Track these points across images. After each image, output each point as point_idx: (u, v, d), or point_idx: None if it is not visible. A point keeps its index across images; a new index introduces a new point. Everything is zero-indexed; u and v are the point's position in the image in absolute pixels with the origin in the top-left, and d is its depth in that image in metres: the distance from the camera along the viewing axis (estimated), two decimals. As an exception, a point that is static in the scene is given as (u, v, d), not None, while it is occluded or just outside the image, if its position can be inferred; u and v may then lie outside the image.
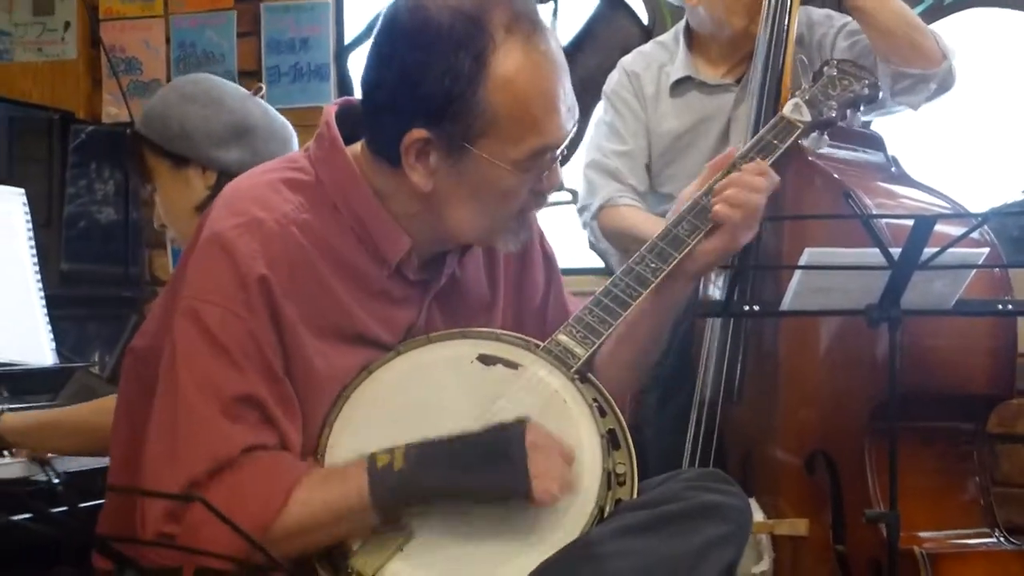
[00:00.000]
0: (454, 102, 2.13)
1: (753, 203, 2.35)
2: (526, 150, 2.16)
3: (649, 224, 3.43)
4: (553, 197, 2.34)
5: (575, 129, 2.26)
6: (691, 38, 3.67)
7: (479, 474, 2.10)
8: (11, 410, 3.02)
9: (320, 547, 2.13)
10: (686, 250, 2.35)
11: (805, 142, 3.11)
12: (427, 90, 2.14)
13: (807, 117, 2.72)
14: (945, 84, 3.42)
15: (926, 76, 3.38)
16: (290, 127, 3.00)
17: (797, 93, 2.79)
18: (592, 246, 3.78)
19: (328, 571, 2.15)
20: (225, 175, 2.69)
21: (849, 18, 3.52)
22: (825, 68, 2.86)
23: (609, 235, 3.60)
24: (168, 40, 4.70)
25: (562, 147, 2.23)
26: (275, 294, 2.12)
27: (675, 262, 2.35)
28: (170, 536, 2.03)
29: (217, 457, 2.07)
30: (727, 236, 2.35)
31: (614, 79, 3.71)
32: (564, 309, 2.49)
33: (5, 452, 2.92)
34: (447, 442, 2.11)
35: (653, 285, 2.34)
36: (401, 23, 2.20)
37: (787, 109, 2.71)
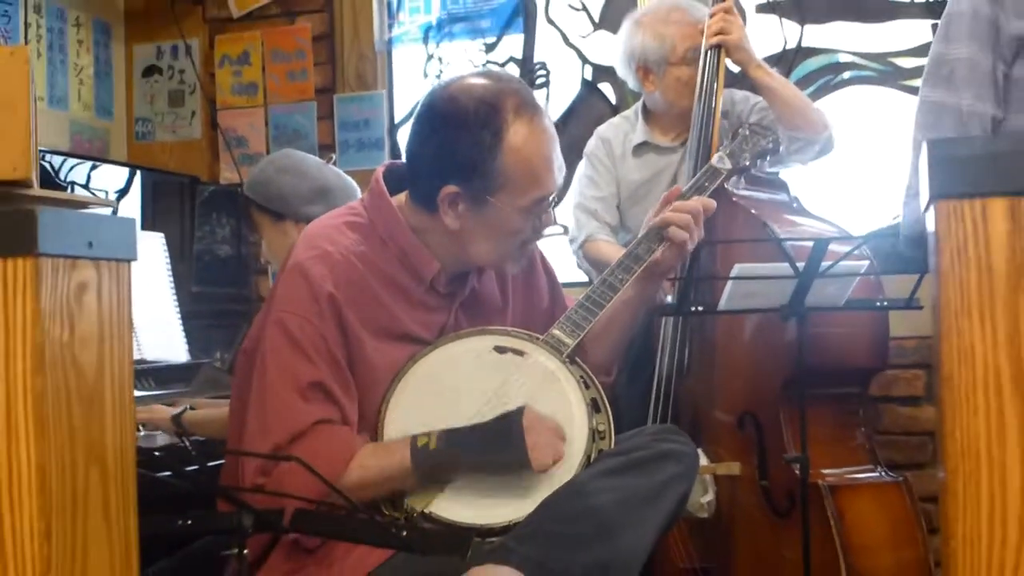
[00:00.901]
0: (478, 166, 2.15)
1: (693, 224, 2.39)
2: (530, 199, 2.18)
3: (615, 254, 3.42)
4: (551, 231, 2.37)
5: (563, 181, 2.27)
6: (647, 113, 3.65)
7: (490, 454, 2.13)
8: (161, 401, 3.02)
9: (373, 499, 2.12)
10: (644, 264, 2.38)
11: (729, 185, 3.10)
12: (459, 157, 2.16)
13: (728, 165, 2.72)
14: (826, 148, 3.42)
15: (812, 140, 3.38)
16: (356, 185, 3.01)
17: (721, 148, 2.80)
18: (579, 266, 3.77)
19: (389, 508, 2.16)
20: None
21: (761, 98, 3.52)
22: (740, 130, 2.85)
23: (590, 262, 3.60)
24: (267, 123, 4.69)
25: (554, 195, 2.24)
26: (340, 306, 2.14)
27: (635, 273, 2.39)
28: (261, 486, 2.04)
29: (294, 429, 2.10)
30: (679, 247, 2.40)
31: (592, 144, 3.70)
32: (565, 308, 2.49)
33: (141, 428, 2.91)
34: (468, 430, 2.14)
35: (621, 291, 2.38)
36: (438, 108, 2.22)
37: (714, 160, 2.72)
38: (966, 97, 2.58)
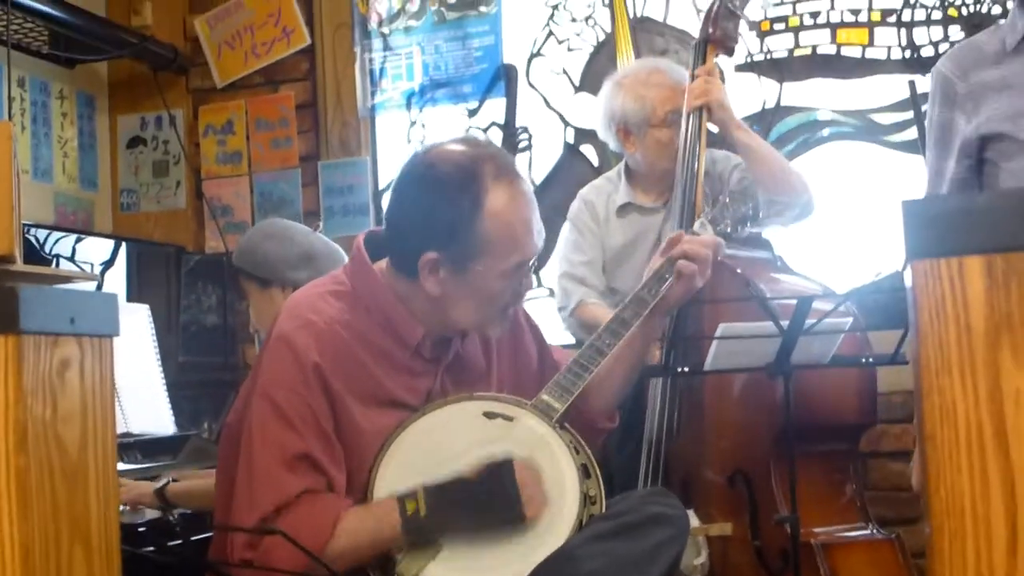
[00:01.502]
0: (458, 232, 2.15)
1: (703, 256, 2.39)
2: (510, 264, 2.19)
3: (608, 317, 3.45)
4: (535, 294, 2.38)
5: (543, 245, 2.28)
6: (630, 174, 3.67)
7: (482, 512, 2.12)
8: (147, 474, 3.01)
9: (363, 563, 2.12)
10: (631, 329, 2.38)
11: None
12: (438, 223, 2.16)
13: (709, 231, 2.73)
14: (805, 211, 3.41)
15: (791, 203, 3.39)
16: (342, 252, 3.01)
17: (702, 215, 2.81)
18: (577, 340, 3.77)
19: (378, 574, 2.14)
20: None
21: (741, 160, 3.54)
22: (720, 197, 2.87)
23: (583, 327, 3.59)
24: (252, 191, 4.71)
25: (534, 259, 2.25)
26: (326, 375, 2.14)
27: (623, 338, 2.38)
28: (249, 561, 2.04)
29: (279, 500, 2.09)
30: (688, 282, 2.39)
31: (575, 207, 3.71)
32: (555, 365, 2.49)
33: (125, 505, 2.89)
34: (457, 489, 2.13)
35: (608, 355, 2.37)
36: (417, 174, 2.23)
37: (696, 226, 2.73)
38: None
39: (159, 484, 2.84)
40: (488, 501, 2.12)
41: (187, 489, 2.84)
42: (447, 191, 2.17)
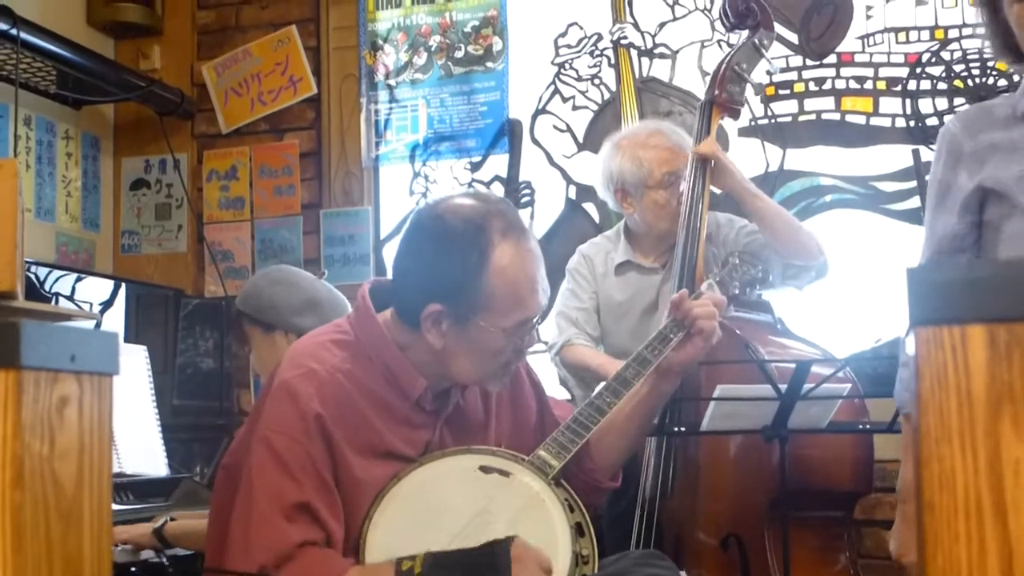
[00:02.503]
0: (464, 286, 2.16)
1: (712, 316, 2.39)
2: (514, 321, 2.19)
3: (595, 358, 3.46)
4: (536, 348, 2.38)
5: (547, 302, 2.29)
6: (629, 233, 3.69)
7: None
8: (139, 515, 2.99)
9: None
10: (632, 388, 2.38)
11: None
12: (444, 277, 2.16)
13: (717, 293, 2.73)
14: (821, 273, 3.45)
15: (808, 267, 3.41)
16: (346, 300, 3.02)
17: (711, 275, 2.81)
18: (561, 381, 3.77)
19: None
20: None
21: (745, 221, 3.56)
22: (730, 258, 2.87)
23: (568, 367, 3.61)
24: (253, 237, 4.72)
25: (538, 317, 2.25)
26: (327, 425, 2.13)
27: (623, 397, 2.38)
28: None
29: (278, 550, 2.07)
30: (703, 338, 2.38)
31: (574, 260, 3.74)
32: (556, 421, 2.48)
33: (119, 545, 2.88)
34: (455, 556, 2.10)
35: (608, 414, 2.37)
36: (425, 226, 2.23)
37: (704, 287, 2.73)
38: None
39: (157, 524, 2.83)
40: (479, 572, 2.10)
41: (184, 529, 2.83)
42: (455, 245, 2.17)
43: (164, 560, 2.67)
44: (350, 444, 2.17)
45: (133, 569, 2.76)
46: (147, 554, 2.86)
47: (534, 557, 2.11)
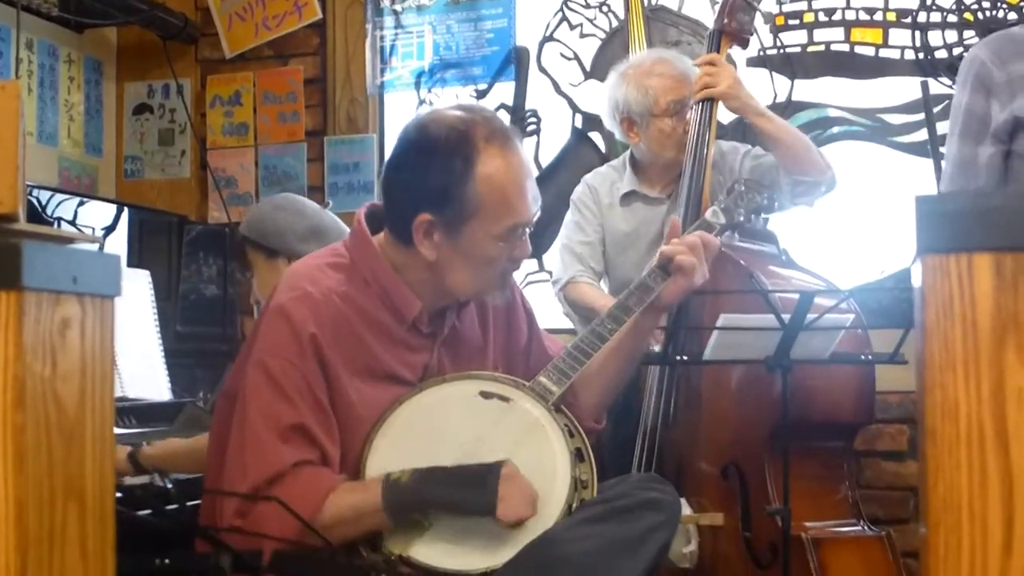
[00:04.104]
0: (450, 193, 2.17)
1: (689, 263, 2.38)
2: (503, 227, 2.19)
3: (598, 298, 3.45)
4: (535, 276, 2.37)
5: (539, 213, 2.29)
6: (635, 163, 3.68)
7: (460, 493, 2.11)
8: (140, 438, 3.00)
9: (350, 538, 2.12)
10: (633, 316, 2.38)
11: (720, 238, 3.11)
12: (430, 185, 2.18)
13: (722, 220, 2.71)
14: (831, 186, 3.44)
15: (818, 182, 3.40)
16: (348, 229, 3.00)
17: (716, 203, 2.80)
18: (566, 313, 3.77)
19: (368, 550, 2.15)
20: None
21: (749, 147, 3.55)
22: (736, 185, 2.85)
23: (572, 304, 3.61)
24: (257, 164, 4.70)
25: (529, 224, 2.26)
26: (322, 347, 2.14)
27: (625, 324, 2.38)
28: (238, 528, 2.03)
29: (272, 471, 2.09)
30: (686, 278, 2.38)
31: (579, 190, 3.73)
32: (543, 349, 2.50)
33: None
34: (444, 468, 2.13)
35: (609, 340, 2.37)
36: (411, 138, 2.25)
37: (708, 214, 2.71)
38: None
39: (130, 449, 2.83)
40: (466, 494, 2.11)
41: (160, 453, 2.83)
42: (439, 153, 2.18)
43: (168, 484, 2.68)
44: (346, 366, 2.18)
45: (138, 493, 2.77)
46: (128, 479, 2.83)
47: (523, 483, 2.13)
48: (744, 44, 3.60)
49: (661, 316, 2.54)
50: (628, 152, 3.71)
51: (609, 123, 3.68)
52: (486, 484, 2.09)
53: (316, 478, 2.13)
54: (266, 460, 2.10)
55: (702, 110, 3.41)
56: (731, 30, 3.50)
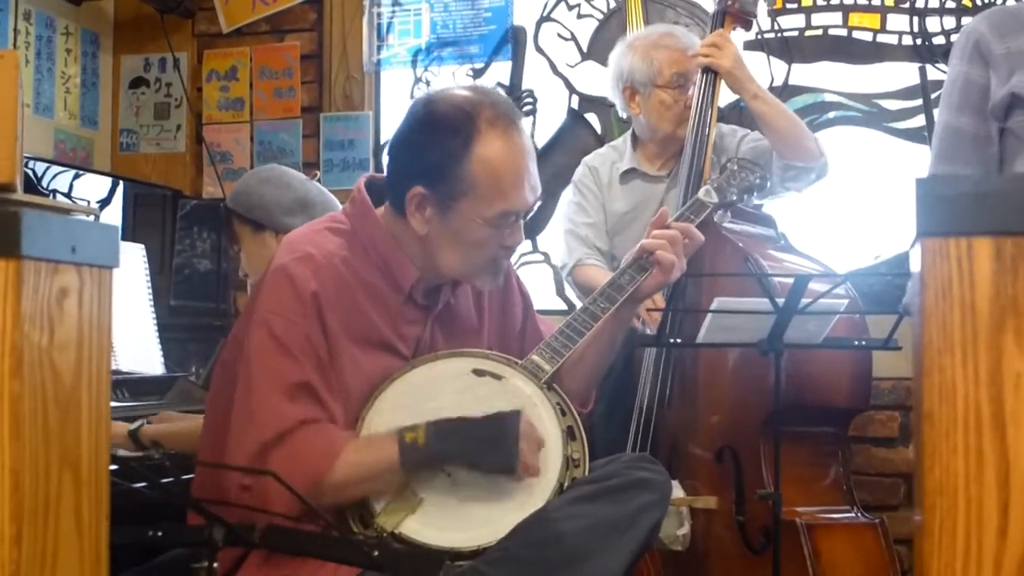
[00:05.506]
0: (445, 169, 2.18)
1: (679, 251, 2.40)
2: (495, 212, 2.20)
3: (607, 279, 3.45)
4: (530, 257, 2.38)
5: (538, 203, 2.30)
6: (636, 141, 3.69)
7: (478, 455, 2.13)
8: (134, 412, 2.99)
9: (358, 499, 2.14)
10: (626, 294, 2.38)
11: (717, 219, 3.12)
12: (427, 159, 2.19)
13: (715, 199, 2.72)
14: (821, 174, 3.46)
15: (808, 168, 3.41)
16: (338, 203, 3.00)
17: (708, 182, 2.80)
18: (571, 291, 3.78)
19: (359, 526, 2.15)
20: None
21: (748, 131, 3.55)
22: (728, 163, 2.86)
23: (580, 287, 3.61)
24: (252, 139, 4.69)
25: (523, 213, 2.26)
26: (323, 306, 2.16)
27: (619, 303, 2.39)
28: (248, 487, 2.03)
29: (279, 428, 2.09)
30: (664, 273, 2.39)
31: (580, 171, 3.74)
32: (538, 333, 2.50)
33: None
34: (458, 425, 2.14)
35: (603, 319, 2.37)
36: (417, 113, 2.27)
37: (701, 193, 2.73)
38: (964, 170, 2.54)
39: (133, 426, 2.83)
40: (486, 445, 2.13)
41: (160, 431, 2.83)
42: (440, 129, 2.20)
43: (159, 457, 2.67)
44: (343, 330, 2.19)
45: (133, 465, 2.76)
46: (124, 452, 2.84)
47: (535, 436, 2.17)
48: (747, 26, 3.62)
49: (634, 308, 2.54)
50: (630, 131, 3.72)
51: (612, 94, 3.71)
52: (503, 442, 2.12)
53: (324, 436, 2.13)
54: (273, 418, 2.11)
55: (704, 88, 3.42)
56: (735, 11, 3.53)
